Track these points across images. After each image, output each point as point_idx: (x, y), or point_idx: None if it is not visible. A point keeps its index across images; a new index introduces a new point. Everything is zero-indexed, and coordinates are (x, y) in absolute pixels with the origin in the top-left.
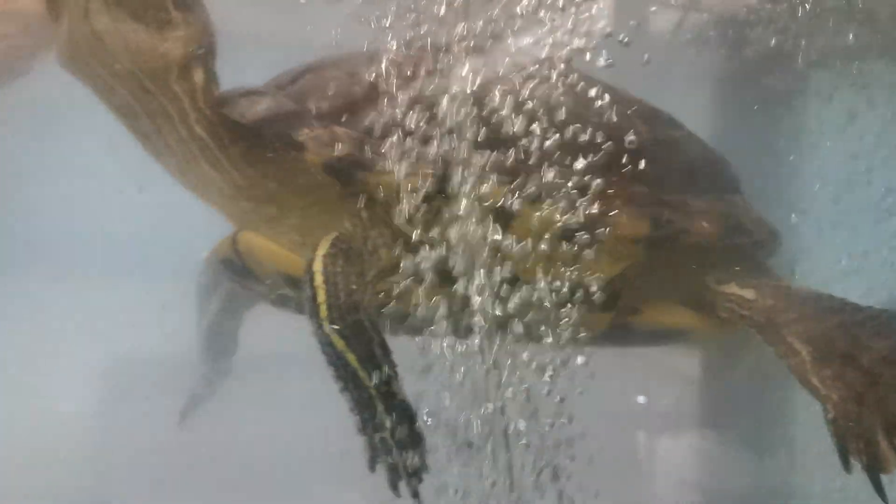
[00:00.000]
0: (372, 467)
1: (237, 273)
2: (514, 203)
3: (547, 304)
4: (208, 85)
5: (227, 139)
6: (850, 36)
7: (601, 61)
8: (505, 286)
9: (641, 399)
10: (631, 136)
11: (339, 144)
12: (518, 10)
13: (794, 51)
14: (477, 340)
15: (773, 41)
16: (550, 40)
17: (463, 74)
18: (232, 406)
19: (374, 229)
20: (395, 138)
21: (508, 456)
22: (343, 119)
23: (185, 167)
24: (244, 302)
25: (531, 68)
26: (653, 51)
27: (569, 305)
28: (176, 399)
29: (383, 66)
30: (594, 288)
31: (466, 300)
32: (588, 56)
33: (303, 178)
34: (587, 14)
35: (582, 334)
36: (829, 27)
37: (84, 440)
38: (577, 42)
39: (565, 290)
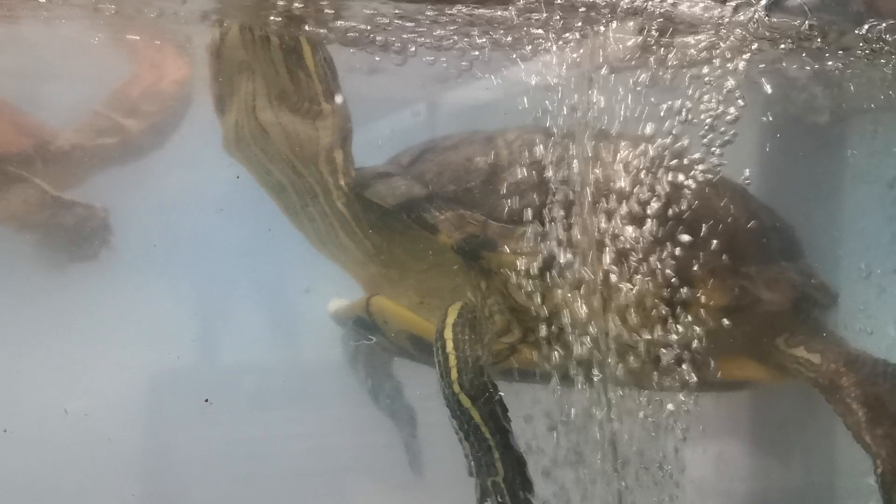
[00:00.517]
0: None
1: (367, 329)
2: (617, 280)
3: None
4: (347, 165)
5: (363, 216)
6: None
7: None
8: (608, 350)
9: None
10: (716, 214)
11: (467, 227)
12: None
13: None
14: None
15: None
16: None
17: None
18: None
19: (490, 297)
20: (513, 222)
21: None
22: (466, 200)
23: (324, 237)
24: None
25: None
26: None
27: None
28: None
29: (498, 149)
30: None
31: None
32: None
33: (424, 249)
34: None
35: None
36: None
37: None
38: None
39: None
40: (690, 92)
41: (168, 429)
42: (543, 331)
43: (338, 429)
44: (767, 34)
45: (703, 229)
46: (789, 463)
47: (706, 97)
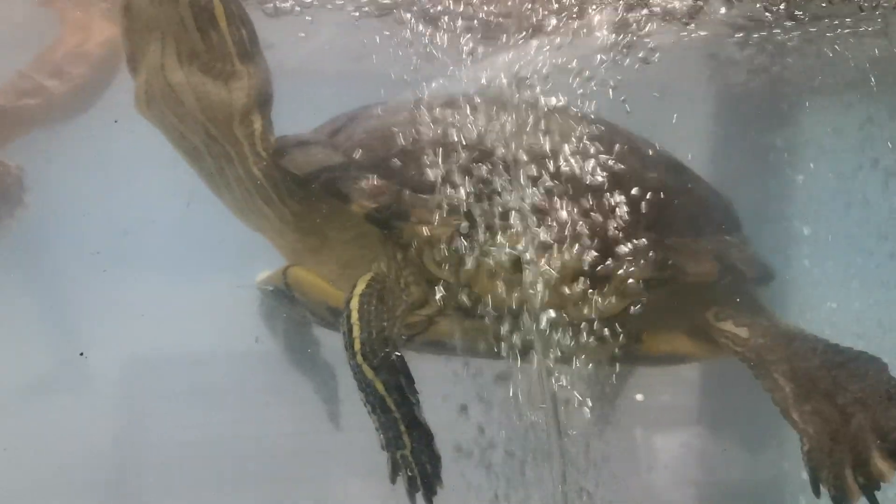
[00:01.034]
0: (393, 479)
1: (287, 301)
2: (532, 250)
3: (563, 336)
4: (265, 131)
5: (280, 182)
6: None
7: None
8: (525, 322)
9: (639, 397)
10: (644, 186)
11: (380, 196)
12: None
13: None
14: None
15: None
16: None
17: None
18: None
19: (406, 269)
20: (429, 192)
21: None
22: (383, 169)
23: (241, 203)
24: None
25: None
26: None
27: (581, 337)
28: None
29: (420, 118)
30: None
31: (493, 333)
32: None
33: (344, 219)
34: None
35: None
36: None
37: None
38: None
39: (578, 324)
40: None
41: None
42: (460, 302)
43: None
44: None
45: (627, 200)
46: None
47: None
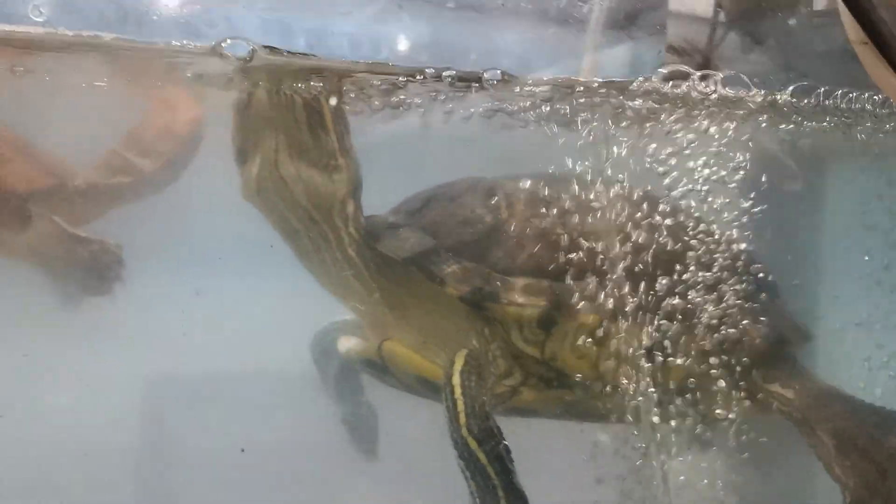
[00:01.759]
0: None
1: (377, 370)
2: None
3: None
4: (357, 214)
5: (371, 260)
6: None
7: None
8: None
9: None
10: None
11: (471, 279)
12: None
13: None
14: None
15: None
16: None
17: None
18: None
19: (493, 343)
20: (516, 274)
21: None
22: (471, 252)
23: (333, 278)
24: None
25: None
26: None
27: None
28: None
29: (498, 201)
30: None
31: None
32: None
33: (431, 293)
34: None
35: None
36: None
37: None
38: None
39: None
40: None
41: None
42: (543, 374)
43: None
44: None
45: (700, 277)
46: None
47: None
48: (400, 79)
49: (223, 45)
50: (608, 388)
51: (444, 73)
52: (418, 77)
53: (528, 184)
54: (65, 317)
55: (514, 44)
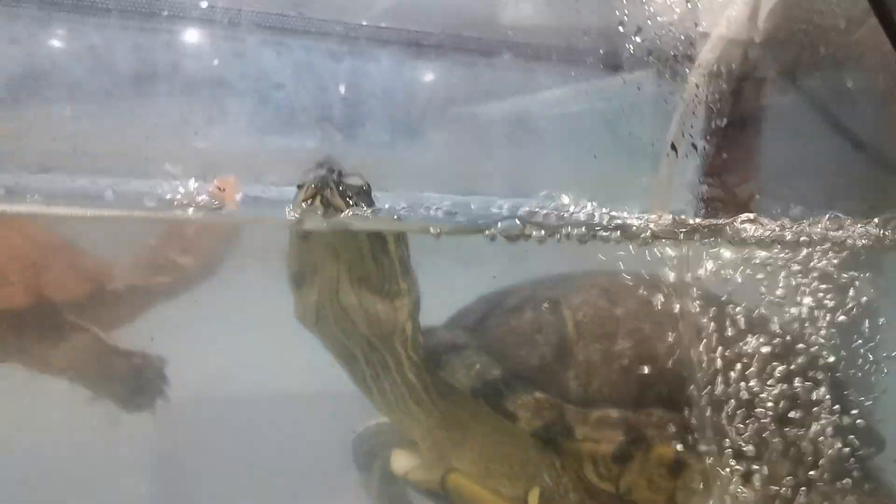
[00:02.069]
0: None
1: (437, 500)
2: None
3: None
4: (416, 334)
5: (431, 385)
6: None
7: None
8: None
9: None
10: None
11: (544, 413)
12: None
13: None
14: None
15: None
16: None
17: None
18: None
19: (565, 476)
20: (591, 406)
21: None
22: (542, 381)
23: (391, 403)
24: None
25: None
26: None
27: None
28: None
29: (569, 318)
30: None
31: None
32: None
33: (495, 421)
34: None
35: None
36: None
37: None
38: None
39: None
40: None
41: None
42: None
43: None
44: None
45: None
46: None
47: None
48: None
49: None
50: None
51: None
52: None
53: (595, 296)
54: (103, 437)
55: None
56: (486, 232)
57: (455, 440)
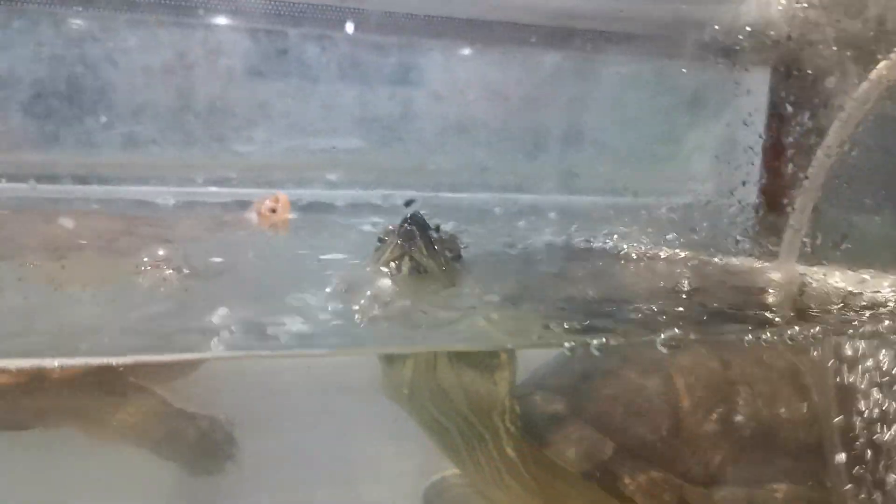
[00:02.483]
0: None
1: None
2: None
3: None
4: (514, 405)
5: (533, 461)
6: None
7: None
8: None
9: None
10: None
11: (664, 496)
12: None
13: None
14: None
15: None
16: None
17: None
18: None
19: None
20: (714, 484)
21: None
22: (657, 457)
23: (486, 478)
24: None
25: None
26: None
27: None
28: None
29: (676, 384)
30: None
31: None
32: None
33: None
34: None
35: None
36: None
37: None
38: None
39: None
40: None
41: None
42: None
43: None
44: None
45: None
46: None
47: None
48: None
49: None
50: None
51: None
52: None
53: (705, 354)
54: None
55: None
56: None
57: None
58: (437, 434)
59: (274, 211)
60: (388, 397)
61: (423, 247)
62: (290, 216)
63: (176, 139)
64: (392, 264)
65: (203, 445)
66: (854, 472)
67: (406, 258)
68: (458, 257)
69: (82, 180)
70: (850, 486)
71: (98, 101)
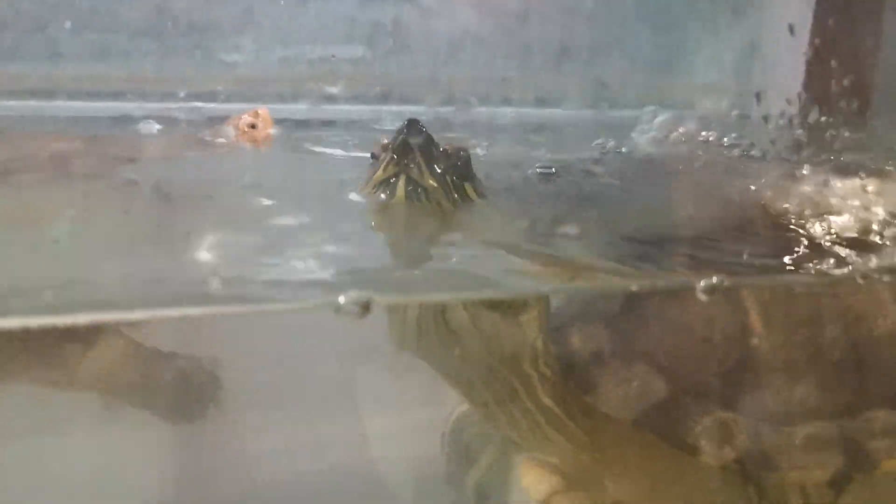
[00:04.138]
0: None
1: None
2: None
3: None
4: (547, 348)
5: (578, 409)
6: None
7: None
8: None
9: None
10: None
11: (735, 441)
12: None
13: None
14: None
15: None
16: None
17: None
18: None
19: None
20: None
21: None
22: (723, 395)
23: (525, 433)
24: None
25: None
26: None
27: None
28: None
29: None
30: None
31: None
32: None
33: (677, 459)
34: None
35: None
36: None
37: None
38: None
39: None
40: None
41: None
42: None
43: None
44: None
45: None
46: None
47: None
48: None
49: None
50: None
51: None
52: None
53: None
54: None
55: None
56: None
57: (612, 468)
58: (461, 387)
59: (253, 126)
60: (396, 346)
61: (423, 163)
62: (273, 131)
63: (153, 48)
64: (384, 186)
65: (183, 390)
66: None
67: (402, 177)
68: (470, 177)
69: (48, 96)
70: None
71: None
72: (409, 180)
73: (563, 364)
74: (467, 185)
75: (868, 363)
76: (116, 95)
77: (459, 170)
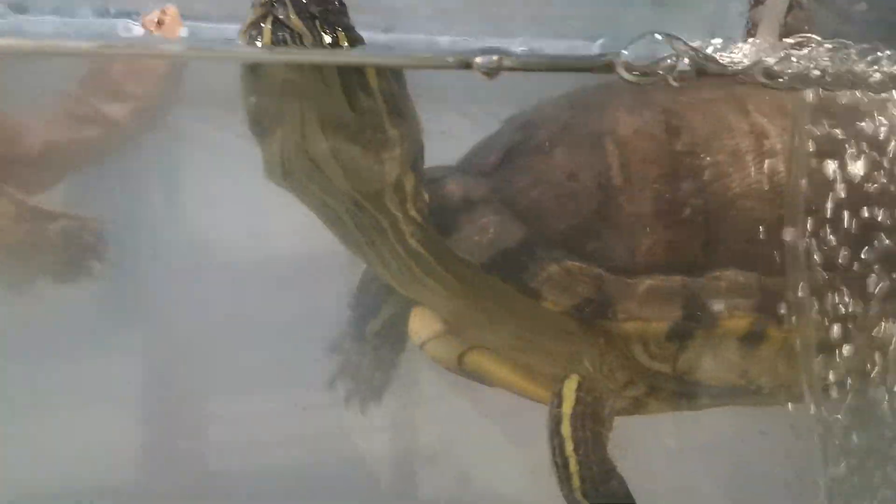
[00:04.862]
0: None
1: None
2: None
3: None
4: (418, 189)
5: (444, 253)
6: None
7: None
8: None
9: None
10: None
11: (577, 287)
12: None
13: None
14: None
15: None
16: None
17: None
18: None
19: (610, 354)
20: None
21: None
22: (577, 243)
23: (397, 275)
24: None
25: None
26: None
27: None
28: None
29: (610, 156)
30: None
31: None
32: None
33: (527, 306)
34: None
35: None
36: None
37: None
38: None
39: None
40: None
41: None
42: (675, 389)
43: None
44: None
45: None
46: None
47: None
48: None
49: None
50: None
51: None
52: None
53: (652, 122)
54: (33, 315)
55: None
56: None
57: (478, 315)
58: (333, 225)
59: (161, 24)
60: (268, 178)
61: (289, 4)
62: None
63: None
64: (255, 29)
65: (67, 247)
66: (817, 257)
67: (269, 19)
68: (345, 25)
69: None
70: (811, 273)
71: None
72: (276, 23)
73: (435, 210)
74: (340, 32)
75: (721, 221)
76: None
77: (333, 16)
